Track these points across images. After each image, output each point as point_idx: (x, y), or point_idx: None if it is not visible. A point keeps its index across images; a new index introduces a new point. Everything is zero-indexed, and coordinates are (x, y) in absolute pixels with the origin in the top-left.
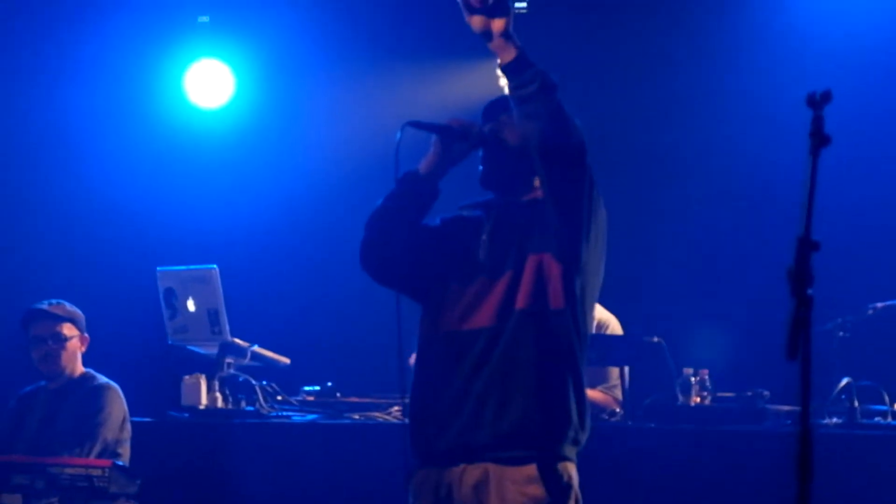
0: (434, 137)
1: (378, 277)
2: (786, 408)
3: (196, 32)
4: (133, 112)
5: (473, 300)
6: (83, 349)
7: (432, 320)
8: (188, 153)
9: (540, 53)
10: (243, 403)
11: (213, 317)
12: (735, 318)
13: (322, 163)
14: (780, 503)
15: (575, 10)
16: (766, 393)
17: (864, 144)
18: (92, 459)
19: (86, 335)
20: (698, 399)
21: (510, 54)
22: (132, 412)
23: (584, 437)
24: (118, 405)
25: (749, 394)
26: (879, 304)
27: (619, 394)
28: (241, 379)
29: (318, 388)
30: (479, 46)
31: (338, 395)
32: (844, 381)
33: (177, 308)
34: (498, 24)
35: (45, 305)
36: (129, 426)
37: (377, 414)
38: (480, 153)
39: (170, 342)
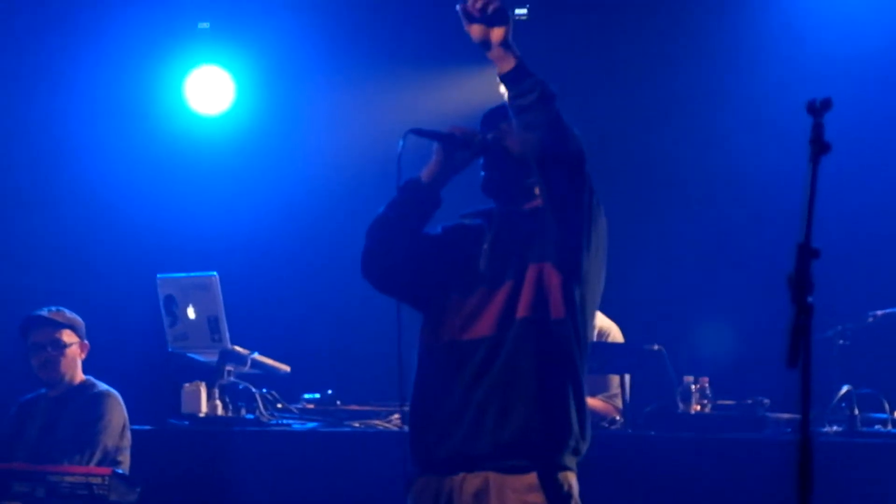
0: (436, 145)
1: (379, 286)
2: (786, 416)
3: (196, 39)
4: (133, 118)
5: (474, 310)
6: (83, 356)
7: (433, 329)
8: (188, 160)
9: (540, 59)
10: (243, 411)
11: (214, 324)
12: (735, 325)
13: (322, 169)
14: None
15: (576, 16)
16: (767, 401)
17: (864, 152)
18: (92, 467)
19: (85, 342)
20: (699, 407)
21: (509, 64)
22: (132, 420)
23: (584, 447)
24: (118, 412)
25: (749, 402)
26: (879, 312)
27: (619, 402)
28: (241, 387)
29: (318, 395)
30: (479, 52)
31: (338, 402)
32: (844, 388)
33: (177, 315)
34: (497, 34)
35: (44, 312)
36: (129, 434)
37: (377, 422)
38: (482, 161)
39: (170, 349)
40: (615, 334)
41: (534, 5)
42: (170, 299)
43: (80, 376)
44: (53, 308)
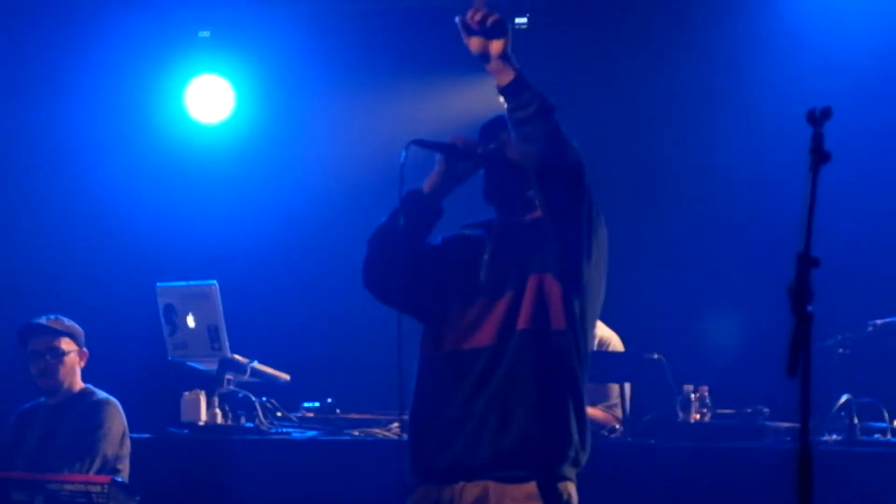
0: (438, 156)
1: (380, 296)
2: (785, 424)
3: (196, 47)
4: (133, 127)
5: (474, 320)
6: (82, 364)
7: (433, 340)
8: (188, 168)
9: (540, 68)
10: (243, 420)
11: (213, 333)
12: (735, 334)
13: (322, 178)
14: None
15: (575, 25)
16: (766, 410)
17: (864, 161)
18: (91, 476)
19: (84, 350)
20: (698, 416)
21: (508, 76)
22: (132, 428)
23: (584, 458)
24: (118, 421)
25: (749, 410)
26: (879, 321)
27: (619, 412)
28: (240, 395)
29: (317, 404)
30: (478, 62)
31: (337, 411)
32: (844, 397)
33: (176, 324)
34: (496, 46)
35: (42, 320)
36: (128, 442)
37: (377, 430)
38: (483, 171)
39: (169, 358)
40: (616, 344)
41: (534, 14)
42: (169, 308)
43: (79, 384)
44: (52, 316)
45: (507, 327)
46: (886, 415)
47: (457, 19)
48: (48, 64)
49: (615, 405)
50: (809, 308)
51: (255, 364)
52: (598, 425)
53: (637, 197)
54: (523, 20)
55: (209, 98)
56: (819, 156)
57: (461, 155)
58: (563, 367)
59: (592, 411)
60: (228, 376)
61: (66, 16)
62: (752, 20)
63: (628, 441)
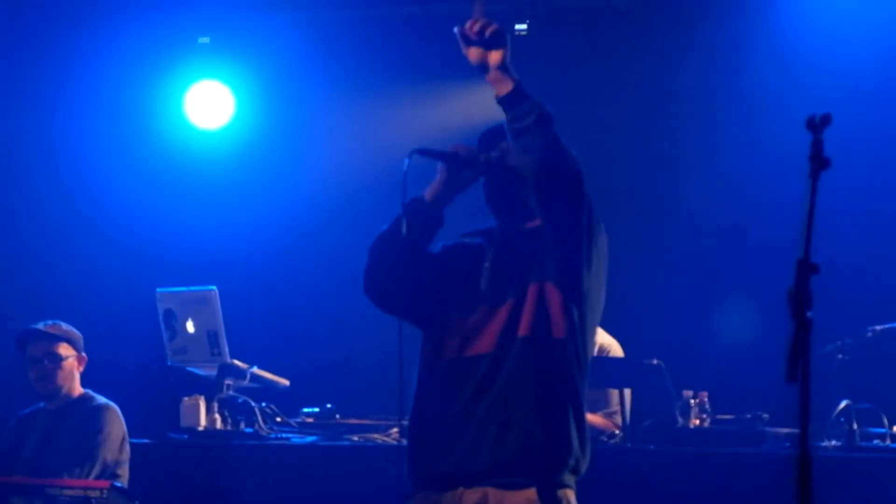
0: (440, 164)
1: (381, 304)
2: (785, 430)
3: (196, 53)
4: (133, 133)
5: (475, 327)
6: (81, 369)
7: (433, 348)
8: (188, 174)
9: (541, 74)
10: (242, 425)
11: (213, 338)
12: (734, 340)
13: (322, 184)
14: None
15: (576, 32)
16: (766, 415)
17: (863, 167)
18: (91, 481)
19: (83, 355)
20: (698, 421)
21: (507, 87)
22: (131, 433)
23: (584, 465)
24: (117, 426)
25: (748, 416)
26: (879, 327)
27: (619, 420)
28: (240, 400)
29: (317, 409)
30: (477, 69)
31: (337, 416)
32: (843, 403)
33: (176, 329)
34: (495, 57)
35: (40, 326)
36: (128, 447)
37: (376, 436)
38: (484, 179)
39: (169, 363)
40: (616, 350)
41: (534, 21)
42: (169, 313)
43: (78, 389)
44: (50, 321)
45: (508, 334)
46: (886, 420)
47: (455, 30)
48: (48, 69)
49: (615, 412)
50: (809, 314)
51: (255, 369)
52: (598, 431)
53: (636, 202)
54: (523, 26)
55: (209, 104)
56: (819, 162)
57: (464, 163)
58: (563, 375)
59: (592, 418)
60: (228, 382)
61: (66, 22)
62: (752, 26)
63: (628, 446)
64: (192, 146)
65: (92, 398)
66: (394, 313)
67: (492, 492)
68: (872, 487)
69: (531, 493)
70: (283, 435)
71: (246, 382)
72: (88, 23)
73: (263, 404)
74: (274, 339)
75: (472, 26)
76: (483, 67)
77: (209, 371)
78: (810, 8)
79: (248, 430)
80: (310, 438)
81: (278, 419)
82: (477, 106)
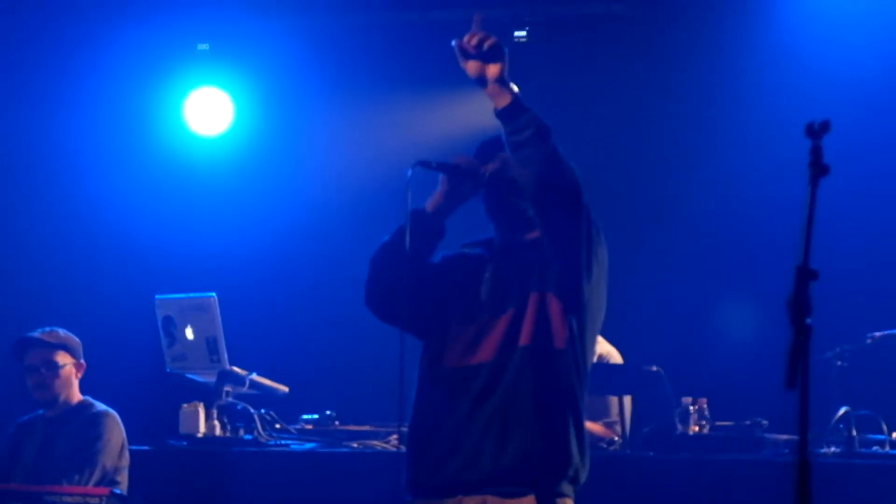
0: (441, 176)
1: (383, 316)
2: (784, 437)
3: (195, 60)
4: (132, 139)
5: (476, 336)
6: (79, 376)
7: (433, 357)
8: (187, 181)
9: (540, 81)
10: (242, 432)
11: (212, 345)
12: (734, 346)
13: (321, 190)
14: None
15: (575, 39)
16: (765, 422)
17: (862, 174)
18: (90, 488)
19: (81, 362)
20: (697, 428)
21: (505, 100)
22: (130, 440)
23: (583, 475)
24: (117, 432)
25: (747, 423)
26: (878, 334)
27: (619, 429)
28: (239, 407)
29: (316, 416)
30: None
31: (336, 423)
32: (843, 410)
33: (175, 336)
34: (493, 70)
35: (37, 334)
36: (127, 454)
37: (375, 442)
38: (484, 190)
39: (168, 370)
40: (615, 359)
41: (533, 27)
42: (168, 320)
43: (77, 396)
44: (47, 329)
45: (509, 344)
46: (885, 427)
47: (453, 43)
48: (48, 76)
49: (615, 422)
50: (808, 320)
51: (254, 376)
52: (597, 438)
53: (636, 209)
54: (522, 33)
55: (208, 110)
56: (818, 169)
57: (465, 175)
58: (563, 385)
59: (592, 426)
60: (227, 388)
61: (66, 29)
62: (752, 32)
63: (627, 453)
64: (191, 153)
65: (91, 405)
66: (395, 325)
67: (491, 500)
68: (872, 494)
69: (530, 500)
70: (283, 442)
71: (245, 389)
72: (88, 29)
73: (262, 411)
74: (273, 345)
75: (470, 40)
76: (481, 81)
77: (208, 378)
78: (810, 14)
79: (248, 436)
80: (309, 445)
81: (277, 426)
82: (476, 113)
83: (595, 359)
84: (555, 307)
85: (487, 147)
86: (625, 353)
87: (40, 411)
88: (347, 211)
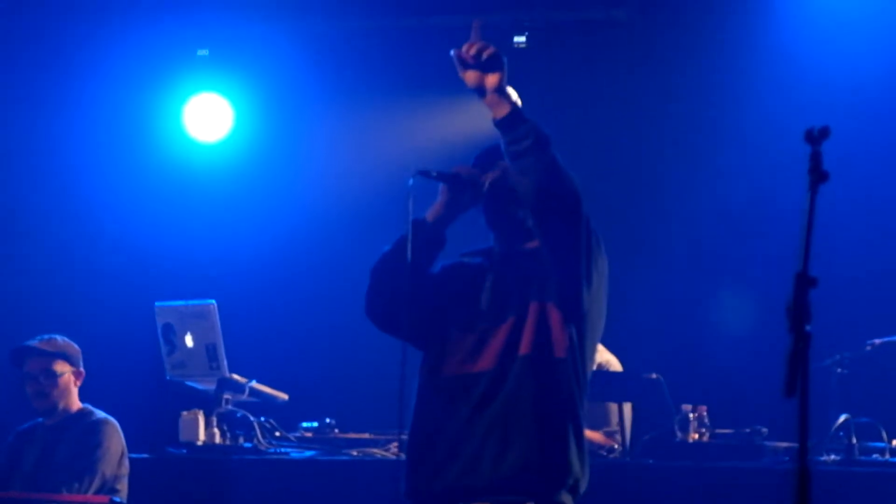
0: (441, 185)
1: (384, 326)
2: (784, 444)
3: (195, 66)
4: (132, 145)
5: (476, 345)
6: (78, 384)
7: (433, 366)
8: (187, 187)
9: (539, 86)
10: (241, 439)
11: (212, 352)
12: (733, 354)
13: (321, 197)
14: None
15: (574, 44)
16: (765, 430)
17: (862, 180)
18: (90, 496)
19: (81, 370)
20: (697, 435)
21: (504, 110)
22: (130, 448)
23: (583, 485)
24: (116, 440)
25: (747, 430)
26: (878, 341)
27: (619, 438)
28: (239, 415)
29: (315, 424)
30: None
31: (335, 431)
32: (842, 417)
33: (175, 343)
34: (492, 80)
35: (35, 342)
36: (127, 462)
37: (375, 450)
38: (484, 200)
39: (168, 378)
40: (615, 367)
41: (533, 33)
42: (168, 327)
43: (76, 404)
44: (45, 337)
45: (509, 352)
46: (885, 435)
47: (452, 53)
48: (48, 82)
49: (616, 431)
50: (808, 328)
51: (254, 384)
52: (597, 445)
53: (635, 215)
54: (522, 39)
55: (208, 116)
56: (817, 175)
57: (465, 185)
58: (563, 394)
59: (592, 435)
60: (227, 396)
61: (66, 35)
62: (751, 38)
63: (627, 461)
64: (190, 159)
65: (91, 413)
66: (395, 335)
67: None
68: (872, 502)
69: None
70: (282, 449)
71: (245, 397)
72: (87, 36)
73: (262, 419)
74: (273, 353)
75: (469, 49)
76: (480, 91)
77: (208, 385)
78: (809, 19)
79: (247, 444)
80: (308, 453)
81: (277, 433)
82: (476, 118)
83: (595, 367)
84: (555, 316)
85: (486, 156)
86: (624, 360)
87: (40, 419)
88: (347, 217)
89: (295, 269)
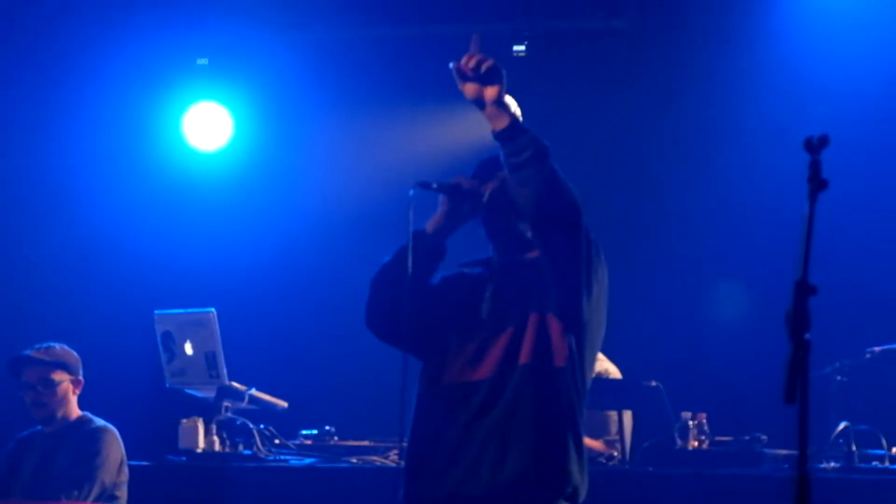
0: (441, 196)
1: (384, 336)
2: (783, 452)
3: (195, 75)
4: (132, 153)
5: (475, 354)
6: (77, 392)
7: (433, 375)
8: (186, 195)
9: (539, 95)
10: (241, 447)
11: (211, 360)
12: (733, 362)
13: (320, 205)
14: None
15: (574, 52)
16: (764, 437)
17: (861, 188)
18: (89, 503)
19: (79, 378)
20: (696, 443)
21: (503, 122)
22: (129, 455)
23: (583, 493)
24: (116, 448)
25: (747, 438)
26: (877, 349)
27: (619, 447)
28: (238, 422)
29: (315, 431)
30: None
31: (335, 438)
32: (842, 425)
33: (174, 351)
34: (490, 93)
35: (32, 351)
36: (126, 469)
37: (375, 458)
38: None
39: (167, 385)
40: (614, 376)
41: (532, 42)
42: (167, 335)
43: (75, 412)
44: (43, 346)
45: (509, 361)
46: (884, 442)
47: (451, 66)
48: (48, 91)
49: (615, 440)
50: (807, 335)
51: (253, 391)
52: (597, 453)
53: (634, 223)
54: (521, 48)
55: (207, 125)
56: (816, 183)
57: (465, 196)
58: (563, 404)
59: (592, 443)
60: (226, 403)
61: (66, 44)
62: (751, 47)
63: (627, 468)
64: (190, 167)
65: (90, 420)
66: (396, 345)
67: None
68: None
69: None
70: (282, 457)
71: (244, 404)
72: (87, 45)
73: (262, 426)
74: (272, 361)
75: (468, 62)
76: (479, 103)
77: (207, 393)
78: (809, 28)
79: (247, 451)
80: (308, 460)
81: (276, 441)
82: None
83: (594, 375)
84: (555, 326)
85: (486, 167)
86: (624, 368)
87: (39, 427)
88: (346, 225)
89: (294, 278)
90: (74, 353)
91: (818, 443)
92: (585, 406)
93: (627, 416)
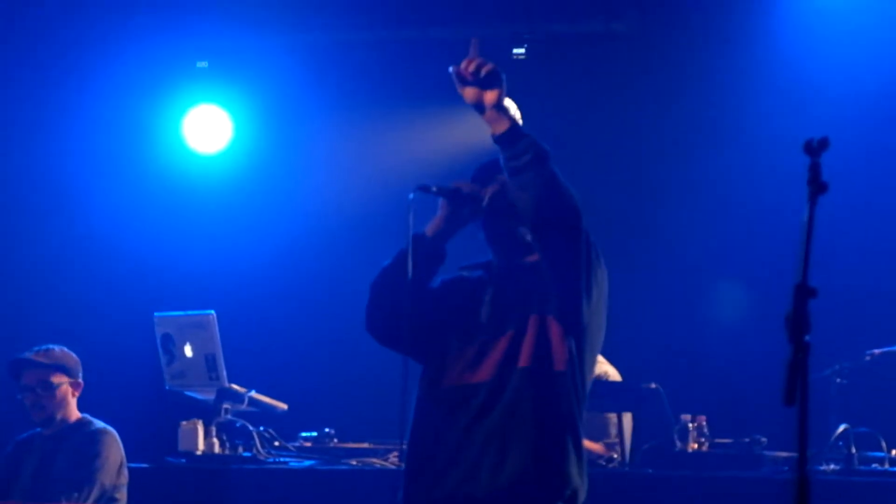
0: (441, 200)
1: (384, 340)
2: (783, 454)
3: (194, 78)
4: (131, 157)
5: (475, 357)
6: (76, 394)
7: (433, 378)
8: (186, 198)
9: (539, 98)
10: (240, 449)
11: (211, 362)
12: (733, 364)
13: (320, 208)
14: None
15: (574, 56)
16: (764, 439)
17: (861, 191)
18: None
19: (79, 380)
20: (696, 445)
21: (503, 126)
22: (129, 458)
23: (582, 495)
24: (115, 450)
25: (746, 440)
26: (877, 351)
27: (619, 450)
28: (238, 424)
29: (315, 433)
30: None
31: (335, 441)
32: (842, 427)
33: (174, 353)
34: (490, 97)
35: (30, 354)
36: (126, 471)
37: (374, 460)
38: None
39: (167, 387)
40: (614, 379)
41: (532, 45)
42: (167, 337)
43: (75, 414)
44: (42, 348)
45: (508, 364)
46: (884, 444)
47: (451, 70)
48: (47, 94)
49: (615, 443)
50: (807, 337)
51: (253, 393)
52: (596, 455)
53: (634, 228)
54: (521, 51)
55: (207, 128)
56: (816, 186)
57: (465, 199)
58: (563, 407)
59: (592, 445)
60: (226, 406)
61: (65, 47)
62: (751, 50)
63: (626, 470)
64: (190, 170)
65: (90, 423)
66: (396, 349)
67: None
68: None
69: None
70: (281, 459)
71: (244, 406)
72: (88, 46)
73: (261, 428)
74: (272, 363)
75: (468, 66)
76: (479, 107)
77: (207, 395)
78: (809, 34)
79: (246, 454)
80: (308, 462)
81: (276, 443)
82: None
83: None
84: (555, 329)
85: (485, 170)
86: (624, 370)
87: (38, 429)
88: (346, 228)
89: (294, 280)
90: (74, 356)
91: (818, 445)
92: (585, 409)
93: (627, 418)
